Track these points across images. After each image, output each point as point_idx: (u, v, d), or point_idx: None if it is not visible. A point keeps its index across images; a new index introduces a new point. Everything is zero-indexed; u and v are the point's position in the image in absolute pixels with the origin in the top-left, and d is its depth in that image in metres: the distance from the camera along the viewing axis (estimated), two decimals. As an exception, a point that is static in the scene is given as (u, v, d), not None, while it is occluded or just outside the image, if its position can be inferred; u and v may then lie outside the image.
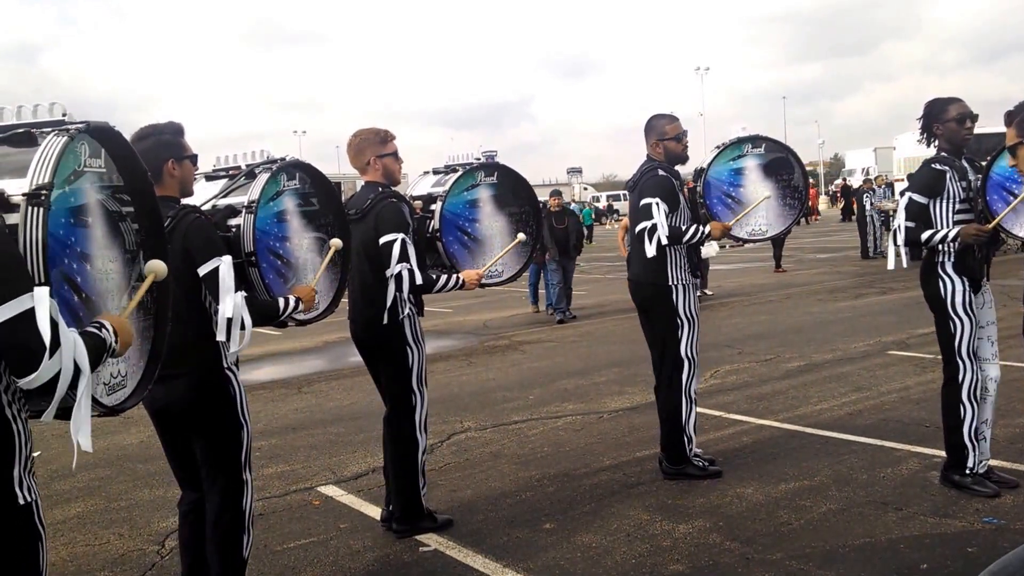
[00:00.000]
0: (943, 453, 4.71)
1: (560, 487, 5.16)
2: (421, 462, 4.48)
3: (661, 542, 4.22)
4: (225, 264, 3.17)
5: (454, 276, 4.50)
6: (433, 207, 4.76)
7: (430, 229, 4.73)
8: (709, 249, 12.04)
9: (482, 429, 6.64)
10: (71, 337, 2.05)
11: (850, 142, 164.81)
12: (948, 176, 4.44)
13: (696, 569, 3.91)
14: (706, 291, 13.91)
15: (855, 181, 39.29)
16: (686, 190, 5.19)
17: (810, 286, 14.94)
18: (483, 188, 4.92)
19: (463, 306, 14.55)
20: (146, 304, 2.64)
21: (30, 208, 2.05)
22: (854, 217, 23.91)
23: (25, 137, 2.25)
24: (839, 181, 50.31)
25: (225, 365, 3.33)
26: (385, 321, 4.27)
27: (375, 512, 4.83)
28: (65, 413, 2.13)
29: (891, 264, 4.56)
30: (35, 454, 2.18)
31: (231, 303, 3.14)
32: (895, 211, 4.80)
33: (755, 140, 5.34)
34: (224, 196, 3.69)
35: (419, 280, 4.25)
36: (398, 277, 4.21)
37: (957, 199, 4.45)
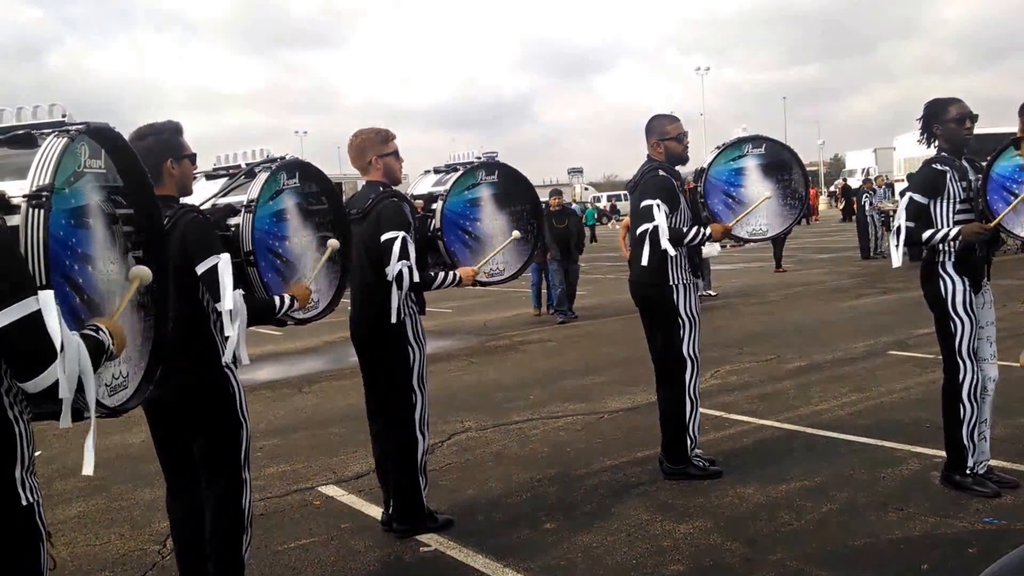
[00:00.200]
0: (944, 453, 4.71)
1: (561, 487, 5.16)
2: (422, 461, 4.48)
3: (662, 542, 4.22)
4: (223, 262, 3.17)
5: (451, 273, 4.51)
6: (434, 206, 4.76)
7: (431, 228, 4.73)
8: (710, 249, 12.04)
9: (483, 429, 6.64)
10: (75, 341, 2.05)
11: (850, 142, 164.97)
12: (948, 176, 4.44)
13: (697, 569, 3.91)
14: (709, 292, 13.88)
15: (855, 181, 39.30)
16: (687, 190, 5.19)
17: (810, 286, 14.94)
18: (484, 187, 4.92)
19: (464, 306, 14.55)
20: (146, 304, 2.65)
21: (31, 210, 2.05)
22: (854, 217, 23.90)
23: (25, 138, 2.25)
24: (839, 181, 50.29)
25: (223, 364, 3.33)
26: (393, 320, 4.27)
27: (376, 512, 4.83)
28: (76, 414, 2.13)
29: (895, 263, 4.55)
30: (36, 454, 2.18)
31: (230, 299, 3.14)
32: (895, 211, 4.80)
33: (755, 140, 5.34)
34: (224, 195, 3.69)
35: (416, 278, 4.25)
36: (398, 276, 4.21)
37: (957, 199, 4.45)
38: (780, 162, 5.34)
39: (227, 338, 3.21)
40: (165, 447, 3.53)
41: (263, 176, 3.59)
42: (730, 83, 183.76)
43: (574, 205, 25.53)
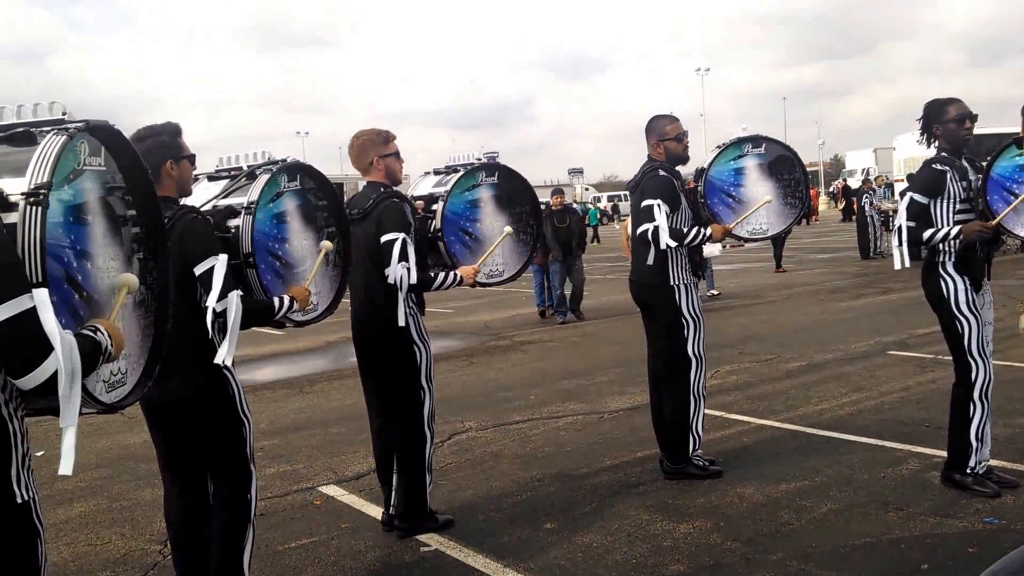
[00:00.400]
0: (944, 453, 4.71)
1: (561, 487, 5.17)
2: (429, 458, 4.49)
3: (662, 542, 4.22)
4: (220, 263, 3.18)
5: (452, 273, 4.52)
6: (435, 207, 4.77)
7: (432, 229, 4.74)
8: (712, 249, 12.06)
9: (483, 429, 6.65)
10: (68, 339, 2.05)
11: (850, 143, 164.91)
12: (948, 176, 4.45)
13: (697, 569, 3.91)
14: (712, 291, 13.86)
15: (855, 182, 39.30)
16: (687, 190, 5.20)
17: (810, 286, 14.94)
18: (484, 188, 4.93)
19: (465, 307, 14.56)
20: (147, 302, 2.65)
21: (28, 207, 2.05)
22: (854, 217, 23.91)
23: (25, 136, 2.25)
24: (839, 181, 50.30)
25: (222, 364, 3.33)
26: (401, 323, 4.26)
27: (376, 512, 4.83)
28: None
29: (898, 264, 4.55)
30: (39, 453, 2.18)
31: (216, 296, 3.13)
32: (895, 211, 4.80)
33: (756, 140, 5.34)
34: (224, 197, 3.70)
35: (414, 279, 4.25)
36: (399, 279, 4.22)
37: (958, 199, 4.45)
38: (780, 162, 5.34)
39: (221, 335, 3.21)
40: (165, 449, 3.53)
41: (264, 178, 3.60)
42: (730, 84, 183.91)
43: (575, 205, 25.52)
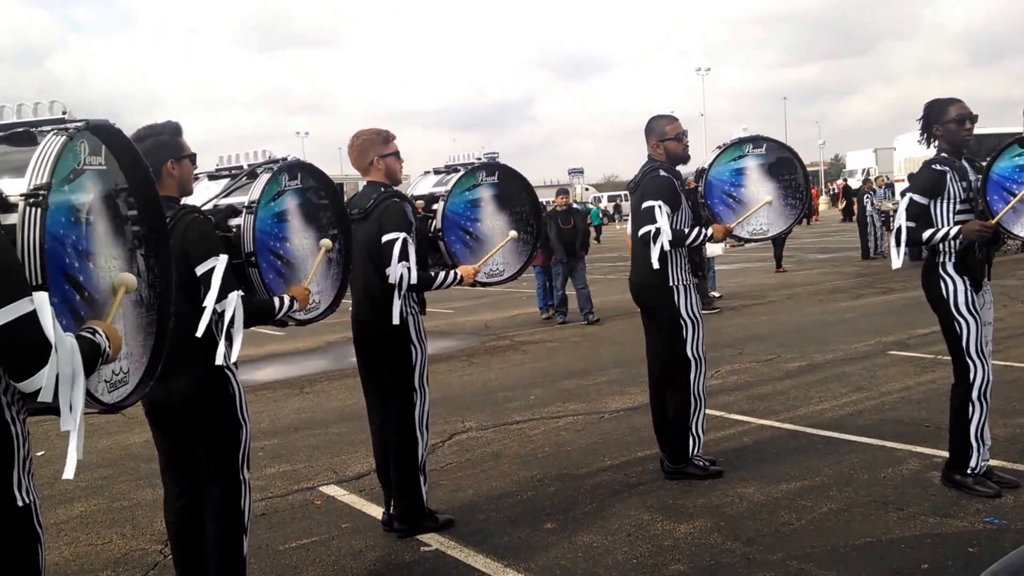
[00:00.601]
0: (944, 453, 4.71)
1: (561, 487, 5.17)
2: (423, 460, 4.48)
3: (662, 542, 4.23)
4: (221, 263, 3.18)
5: (452, 272, 4.52)
6: (435, 207, 4.77)
7: (432, 228, 4.74)
8: (713, 249, 12.04)
9: (483, 429, 6.65)
10: (68, 342, 2.05)
11: (851, 143, 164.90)
12: (948, 176, 4.45)
13: (697, 569, 3.92)
14: (714, 293, 13.74)
15: (855, 182, 39.28)
16: (688, 190, 5.20)
17: (810, 286, 14.94)
18: (484, 188, 4.93)
19: (465, 307, 14.56)
20: (147, 300, 2.65)
21: (28, 208, 2.04)
22: (854, 218, 23.90)
23: (25, 136, 2.24)
24: (839, 181, 50.29)
25: (224, 364, 3.33)
26: (396, 322, 4.27)
27: (377, 512, 4.83)
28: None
29: (895, 264, 4.55)
30: (39, 454, 2.18)
31: (215, 296, 3.14)
32: (895, 212, 4.80)
33: (756, 140, 5.34)
34: (225, 196, 3.70)
35: (414, 279, 4.26)
36: (400, 279, 4.22)
37: (958, 199, 4.46)
38: (781, 162, 5.34)
39: (221, 332, 3.21)
40: (166, 450, 3.53)
41: (264, 177, 3.60)
42: (730, 84, 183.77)
43: (576, 205, 25.50)
